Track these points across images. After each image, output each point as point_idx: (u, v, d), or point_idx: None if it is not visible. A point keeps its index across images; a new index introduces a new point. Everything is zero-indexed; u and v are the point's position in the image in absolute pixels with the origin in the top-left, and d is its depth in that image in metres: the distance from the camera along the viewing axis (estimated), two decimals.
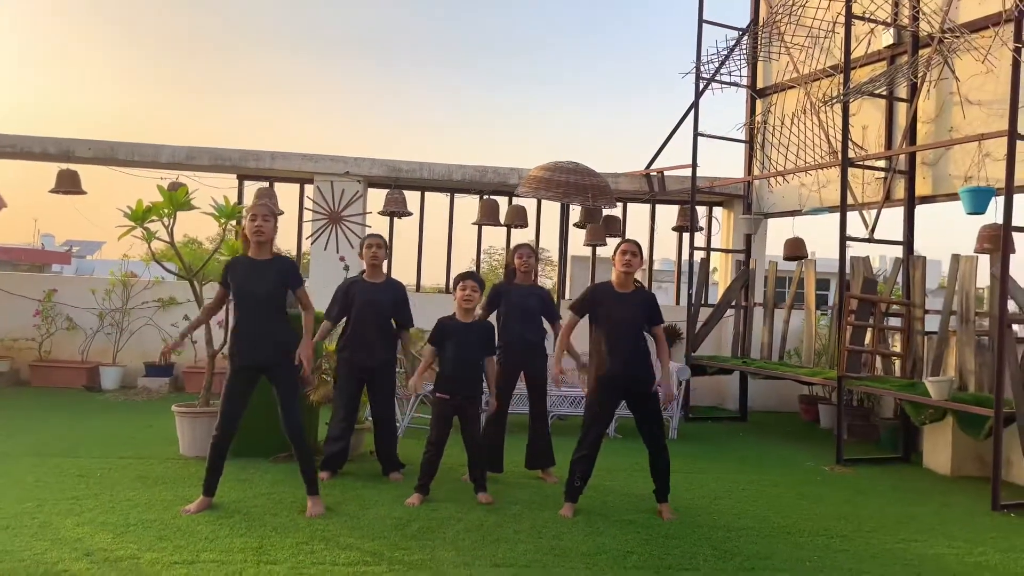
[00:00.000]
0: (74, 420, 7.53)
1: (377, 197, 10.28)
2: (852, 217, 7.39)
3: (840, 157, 7.16)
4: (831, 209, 7.92)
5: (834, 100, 7.18)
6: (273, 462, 5.98)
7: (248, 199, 10.05)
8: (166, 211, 6.28)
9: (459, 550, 4.26)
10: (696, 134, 9.18)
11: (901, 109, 7.66)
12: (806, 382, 7.73)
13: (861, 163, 7.39)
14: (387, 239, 10.39)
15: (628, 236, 10.73)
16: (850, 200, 7.30)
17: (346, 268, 9.73)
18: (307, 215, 10.10)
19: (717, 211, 10.84)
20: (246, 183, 10.29)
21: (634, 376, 5.03)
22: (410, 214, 10.18)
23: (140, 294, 9.70)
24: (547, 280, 33.47)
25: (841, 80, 7.62)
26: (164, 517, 4.58)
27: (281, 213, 10.13)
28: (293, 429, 4.83)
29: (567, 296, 9.43)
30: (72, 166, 9.57)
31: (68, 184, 9.41)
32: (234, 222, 6.63)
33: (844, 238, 7.07)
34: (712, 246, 9.93)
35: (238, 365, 4.80)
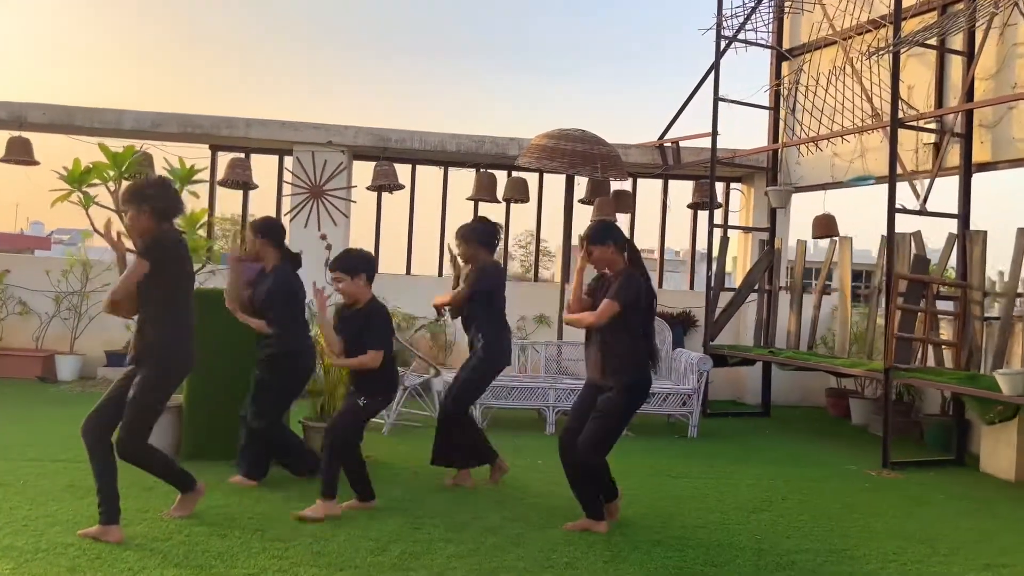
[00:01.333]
0: (17, 416, 6.65)
1: (364, 170, 9.37)
2: (900, 189, 6.47)
3: (890, 116, 6.26)
4: (877, 179, 7.02)
5: (882, 51, 6.28)
6: (236, 464, 5.08)
7: (221, 172, 9.14)
8: (110, 173, 5.37)
9: None
10: (716, 98, 8.27)
11: (955, 65, 6.76)
12: (846, 374, 6.86)
13: (912, 124, 6.48)
14: (376, 216, 9.61)
15: (639, 215, 9.85)
16: (898, 170, 6.40)
17: (328, 247, 8.82)
18: (286, 189, 9.18)
19: (736, 188, 9.96)
20: (219, 154, 9.37)
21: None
22: (401, 187, 9.28)
23: (100, 275, 8.77)
24: (544, 270, 32.52)
25: (885, 34, 6.73)
26: (84, 540, 3.69)
27: (255, 187, 9.24)
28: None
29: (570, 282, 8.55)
30: (25, 134, 8.64)
31: (19, 152, 8.48)
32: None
33: (893, 209, 6.19)
34: (731, 224, 9.04)
35: None
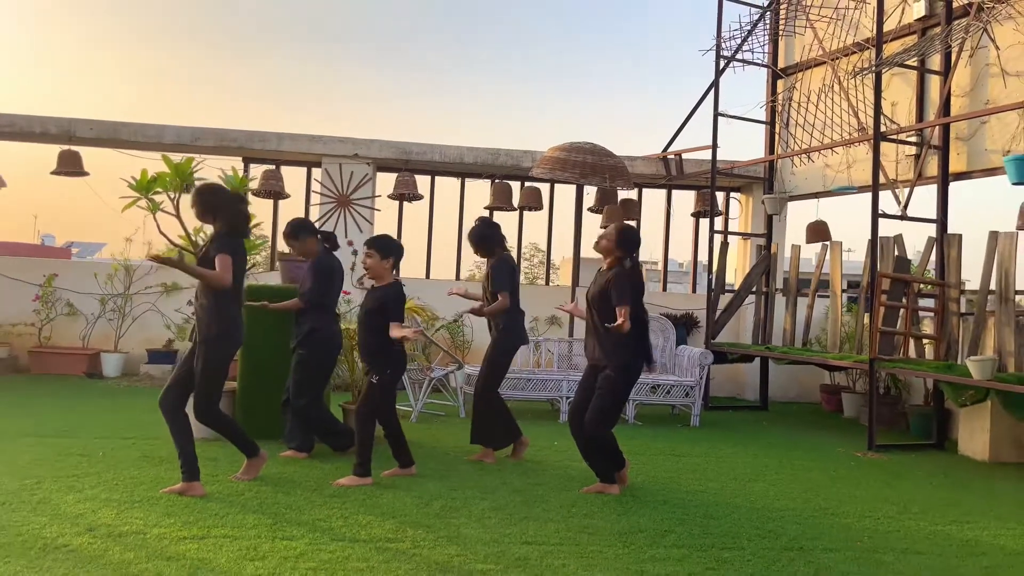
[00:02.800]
0: (75, 404, 7.26)
1: (386, 181, 10.02)
2: (883, 197, 7.10)
3: (872, 130, 6.88)
4: (861, 188, 7.64)
5: (865, 71, 6.91)
6: (284, 441, 5.69)
7: (254, 183, 9.78)
8: (171, 182, 6.01)
9: (486, 528, 3.99)
10: (716, 114, 8.91)
11: (933, 83, 7.39)
12: (835, 366, 7.45)
13: (894, 137, 7.11)
14: (397, 224, 10.23)
15: (644, 222, 10.46)
16: (881, 179, 7.02)
17: (354, 252, 9.47)
18: (315, 199, 9.83)
19: (735, 197, 10.58)
20: (252, 166, 10.02)
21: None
22: (420, 197, 9.91)
23: (143, 279, 9.42)
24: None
25: (869, 56, 7.36)
26: (170, 495, 4.30)
27: (287, 196, 9.88)
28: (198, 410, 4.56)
29: (580, 284, 9.14)
30: (74, 148, 9.31)
31: (70, 165, 9.14)
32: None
33: (876, 215, 6.80)
34: (731, 230, 9.65)
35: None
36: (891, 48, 7.42)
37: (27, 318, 9.25)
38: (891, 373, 7.41)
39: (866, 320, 7.73)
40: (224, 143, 9.48)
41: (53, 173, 9.15)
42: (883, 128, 7.05)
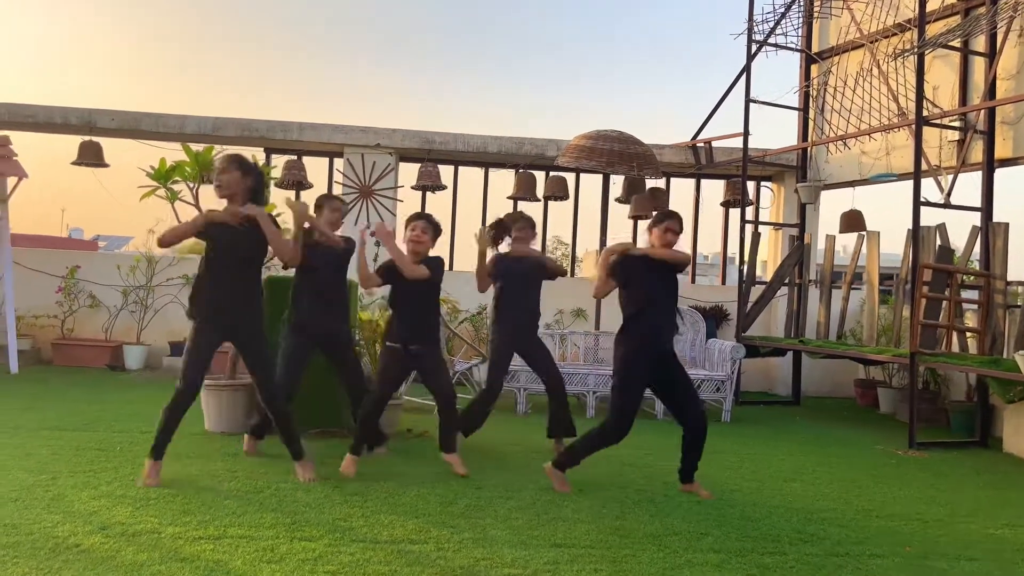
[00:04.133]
0: (95, 396, 7.18)
1: (409, 171, 9.86)
2: (924, 185, 6.80)
3: (914, 115, 6.59)
4: (901, 176, 7.34)
5: (907, 52, 6.62)
6: (311, 436, 5.55)
7: (276, 172, 9.66)
8: (190, 171, 5.88)
9: (513, 529, 3.81)
10: (748, 100, 8.64)
11: (977, 66, 7.08)
12: (873, 360, 7.17)
13: (937, 121, 6.81)
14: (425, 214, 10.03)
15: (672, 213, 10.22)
16: (923, 166, 6.73)
17: (377, 244, 9.30)
18: (337, 189, 9.70)
19: (766, 186, 10.30)
20: (274, 156, 9.91)
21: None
22: (444, 187, 9.75)
23: (165, 271, 9.35)
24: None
25: (911, 37, 7.06)
26: (188, 492, 4.17)
27: (310, 186, 9.75)
28: (266, 394, 4.50)
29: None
30: (95, 139, 9.24)
31: (90, 156, 9.08)
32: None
33: (918, 203, 6.52)
34: (762, 220, 9.38)
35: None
36: (933, 29, 7.11)
37: (50, 310, 9.21)
38: (930, 367, 7.13)
39: (905, 312, 7.46)
40: (246, 133, 9.37)
41: (74, 164, 9.09)
42: (925, 113, 6.75)
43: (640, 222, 10.03)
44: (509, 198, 9.85)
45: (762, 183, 10.20)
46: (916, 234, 6.55)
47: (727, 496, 4.64)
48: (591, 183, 9.80)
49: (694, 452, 4.60)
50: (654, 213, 4.84)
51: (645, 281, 4.50)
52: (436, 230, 4.94)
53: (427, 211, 5.36)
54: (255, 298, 4.49)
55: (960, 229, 7.01)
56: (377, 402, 4.87)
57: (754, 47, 8.71)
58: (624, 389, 4.43)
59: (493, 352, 5.55)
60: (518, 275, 5.52)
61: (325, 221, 5.13)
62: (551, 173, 9.76)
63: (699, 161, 9.51)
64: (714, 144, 9.43)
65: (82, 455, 4.89)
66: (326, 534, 3.61)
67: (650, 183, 9.52)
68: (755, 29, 8.67)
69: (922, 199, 6.60)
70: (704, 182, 10.36)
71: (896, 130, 7.40)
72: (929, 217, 6.82)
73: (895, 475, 5.51)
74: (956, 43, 6.97)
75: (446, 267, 5.21)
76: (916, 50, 6.53)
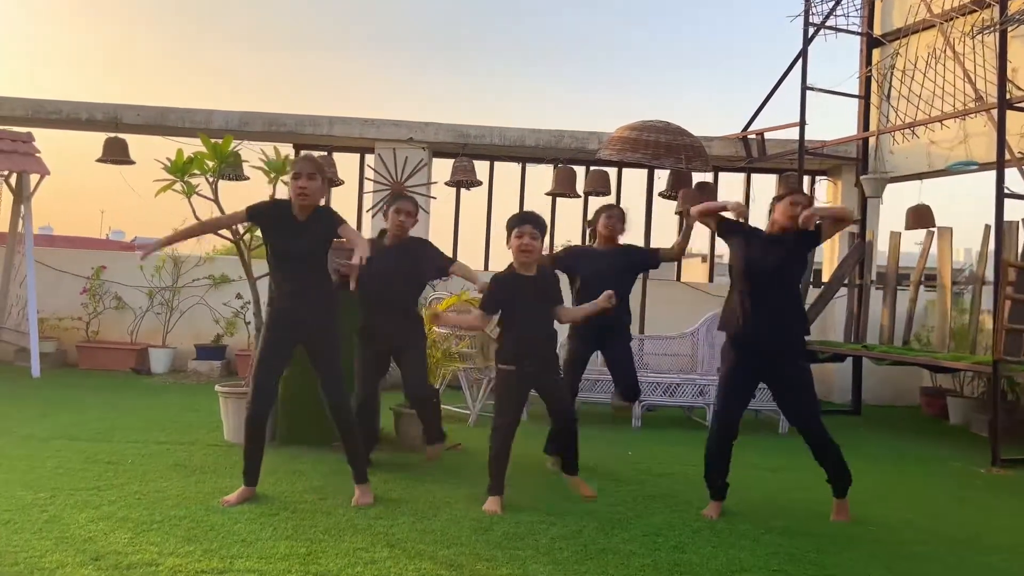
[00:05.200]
0: (116, 403, 6.86)
1: (443, 167, 9.43)
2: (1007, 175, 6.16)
3: (997, 97, 5.98)
4: (981, 165, 6.71)
5: (987, 29, 6.01)
6: (334, 449, 5.13)
7: None
8: (210, 163, 5.51)
9: (557, 563, 3.33)
10: (804, 87, 8.05)
11: None
12: (948, 368, 6.55)
13: (1021, 105, 6.17)
14: (455, 212, 9.63)
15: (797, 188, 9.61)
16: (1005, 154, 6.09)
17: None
18: (368, 186, 9.30)
19: (822, 180, 9.68)
20: (303, 152, 9.54)
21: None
22: (479, 184, 9.30)
23: (191, 271, 9.04)
24: None
25: (991, 14, 6.44)
26: (196, 513, 3.77)
27: (341, 183, 9.37)
28: (335, 404, 4.10)
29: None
30: (120, 135, 8.97)
31: (116, 153, 8.80)
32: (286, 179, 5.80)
33: (1001, 194, 5.91)
34: None
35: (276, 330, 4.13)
36: (1015, 6, 6.47)
37: (75, 312, 8.96)
38: (1009, 376, 6.48)
39: (983, 316, 6.82)
40: (273, 128, 9.02)
41: (99, 161, 8.83)
42: (1008, 96, 6.12)
43: (686, 218, 9.48)
44: (547, 194, 9.37)
45: (818, 177, 9.59)
46: (1000, 228, 5.94)
47: (797, 524, 4.10)
48: (634, 178, 9.29)
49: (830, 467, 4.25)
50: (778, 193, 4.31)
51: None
52: (544, 232, 4.37)
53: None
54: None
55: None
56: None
57: (811, 30, 8.12)
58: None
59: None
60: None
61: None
62: (591, 168, 9.26)
63: (750, 154, 8.93)
64: (767, 135, 8.85)
65: (89, 469, 4.52)
66: (345, 567, 3.17)
67: (697, 177, 8.96)
68: (812, 11, 8.08)
69: (1006, 190, 5.97)
70: (755, 176, 9.77)
71: (973, 116, 6.76)
72: (1012, 211, 6.18)
73: (982, 498, 4.92)
74: None
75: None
76: (999, 26, 5.91)
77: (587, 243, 6.32)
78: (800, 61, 8.14)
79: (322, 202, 4.35)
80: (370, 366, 4.82)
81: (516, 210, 9.59)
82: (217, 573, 3.06)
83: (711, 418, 4.18)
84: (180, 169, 5.39)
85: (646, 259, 5.34)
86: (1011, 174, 6.24)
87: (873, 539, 3.91)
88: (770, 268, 4.03)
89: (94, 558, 3.15)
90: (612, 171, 9.37)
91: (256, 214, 4.15)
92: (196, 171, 5.50)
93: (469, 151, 9.24)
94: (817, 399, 4.19)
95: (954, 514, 4.49)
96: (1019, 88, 6.48)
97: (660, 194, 9.17)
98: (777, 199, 4.19)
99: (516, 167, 9.72)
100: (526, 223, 4.27)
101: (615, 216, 5.29)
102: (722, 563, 3.45)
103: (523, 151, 9.35)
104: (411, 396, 4.78)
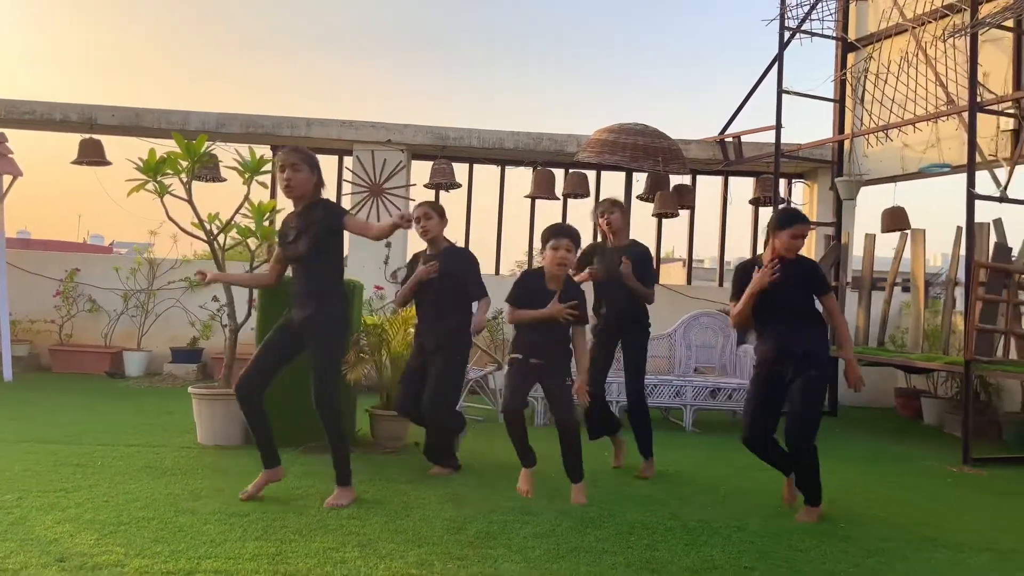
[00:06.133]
0: (89, 406, 6.78)
1: (422, 169, 9.42)
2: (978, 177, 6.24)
3: (968, 100, 6.05)
4: (953, 167, 6.78)
5: (959, 32, 6.08)
6: (303, 452, 5.12)
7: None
8: (183, 164, 5.46)
9: (529, 561, 3.32)
10: (780, 91, 8.11)
11: None
12: (922, 368, 6.62)
13: (992, 108, 6.26)
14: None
15: (697, 212, 9.69)
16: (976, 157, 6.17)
17: (387, 244, 8.90)
18: (346, 188, 9.27)
19: (798, 182, 9.76)
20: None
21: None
22: (458, 186, 9.30)
23: (166, 274, 8.97)
24: None
25: (962, 19, 6.52)
26: (165, 514, 3.72)
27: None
28: (323, 402, 4.00)
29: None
30: (95, 136, 8.88)
31: (91, 154, 8.71)
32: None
33: (972, 196, 5.97)
34: None
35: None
36: (984, 10, 6.56)
37: (48, 315, 8.85)
38: (981, 376, 6.56)
39: (955, 317, 6.90)
40: (251, 129, 8.97)
41: (74, 163, 8.74)
42: (979, 99, 6.20)
43: (664, 220, 9.53)
44: (527, 196, 9.38)
45: (794, 180, 9.66)
46: (971, 230, 6.00)
47: (770, 523, 4.11)
48: (612, 180, 9.33)
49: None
50: (775, 216, 4.26)
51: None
52: (579, 245, 4.39)
53: (566, 224, 4.64)
54: None
55: (1018, 225, 6.44)
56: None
57: (787, 34, 8.20)
58: None
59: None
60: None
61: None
62: (570, 170, 9.28)
63: (727, 157, 8.99)
64: (744, 139, 8.91)
65: (58, 471, 4.46)
66: (314, 567, 3.14)
67: (675, 180, 9.02)
68: (788, 15, 8.15)
69: (976, 192, 6.05)
70: (732, 179, 9.83)
71: (944, 119, 6.85)
72: (985, 212, 6.26)
73: (954, 496, 4.97)
74: (1008, 23, 6.42)
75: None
76: (969, 30, 5.99)
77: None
78: (776, 65, 8.21)
79: (323, 195, 4.22)
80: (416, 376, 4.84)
81: (496, 212, 9.69)
82: (184, 574, 3.02)
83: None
84: (152, 169, 5.34)
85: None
86: (982, 176, 6.33)
87: (843, 536, 3.93)
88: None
89: (59, 559, 3.10)
90: (591, 173, 9.39)
91: (279, 232, 4.20)
92: (169, 171, 5.45)
93: (448, 153, 9.23)
94: (811, 405, 4.21)
95: (925, 512, 4.52)
96: (990, 91, 6.57)
97: (638, 196, 9.22)
98: (779, 228, 4.15)
99: (495, 169, 9.73)
100: (563, 236, 4.28)
101: (605, 212, 5.21)
102: (694, 560, 3.45)
103: (502, 153, 9.36)
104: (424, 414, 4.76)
